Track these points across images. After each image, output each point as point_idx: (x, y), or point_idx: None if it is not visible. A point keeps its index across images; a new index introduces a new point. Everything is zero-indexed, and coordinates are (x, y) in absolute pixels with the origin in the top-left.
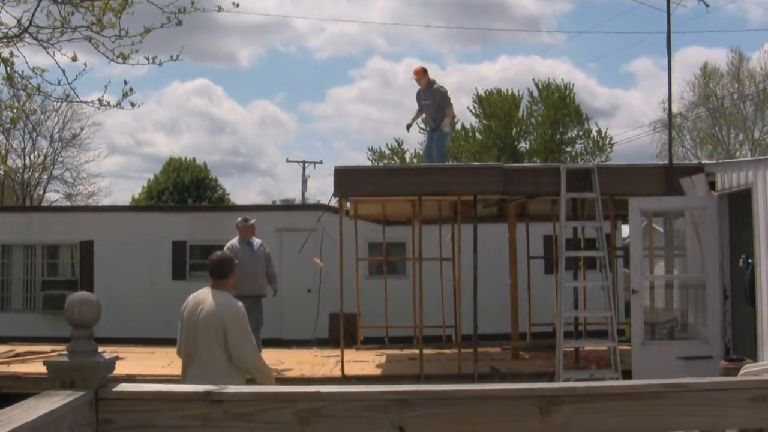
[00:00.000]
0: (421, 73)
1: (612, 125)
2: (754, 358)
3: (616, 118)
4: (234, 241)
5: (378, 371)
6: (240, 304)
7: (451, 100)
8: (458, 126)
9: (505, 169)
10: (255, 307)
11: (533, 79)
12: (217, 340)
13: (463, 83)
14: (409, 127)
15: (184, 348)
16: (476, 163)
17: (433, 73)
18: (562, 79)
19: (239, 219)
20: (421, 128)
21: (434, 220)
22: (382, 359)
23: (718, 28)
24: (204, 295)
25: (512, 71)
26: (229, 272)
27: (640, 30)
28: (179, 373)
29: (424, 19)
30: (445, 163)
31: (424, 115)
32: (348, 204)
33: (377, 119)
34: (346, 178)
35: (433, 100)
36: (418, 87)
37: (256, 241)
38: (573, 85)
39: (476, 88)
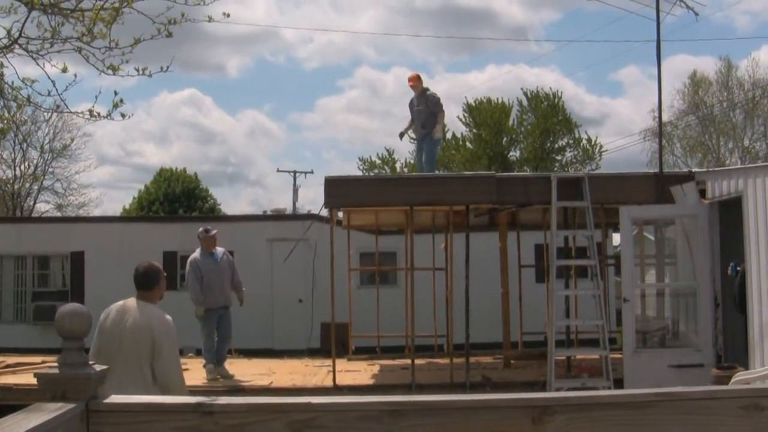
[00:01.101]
0: (417, 79)
1: (601, 134)
2: (746, 365)
3: (605, 127)
4: (196, 254)
5: (370, 381)
6: (169, 318)
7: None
8: (448, 135)
9: (497, 178)
10: (224, 318)
11: (522, 88)
12: (145, 353)
13: (452, 92)
14: (401, 135)
15: (103, 358)
16: (468, 173)
17: (423, 82)
18: (550, 88)
19: (200, 230)
20: (412, 138)
21: (427, 229)
22: (374, 369)
23: (706, 36)
24: (130, 306)
25: (501, 80)
26: (154, 283)
27: (628, 38)
28: None
29: (413, 29)
30: (436, 172)
31: (415, 125)
32: (340, 214)
33: (367, 129)
34: (337, 189)
35: (425, 106)
36: (412, 95)
37: (219, 251)
38: (561, 93)
39: (466, 98)
